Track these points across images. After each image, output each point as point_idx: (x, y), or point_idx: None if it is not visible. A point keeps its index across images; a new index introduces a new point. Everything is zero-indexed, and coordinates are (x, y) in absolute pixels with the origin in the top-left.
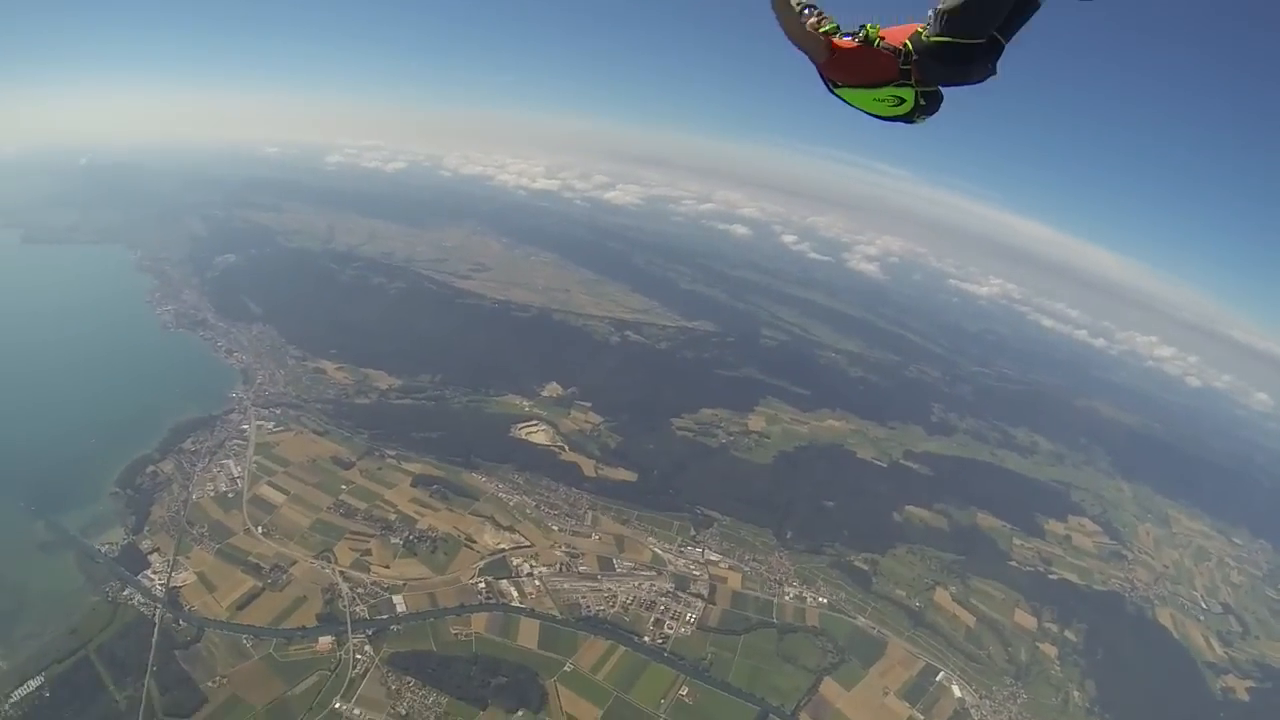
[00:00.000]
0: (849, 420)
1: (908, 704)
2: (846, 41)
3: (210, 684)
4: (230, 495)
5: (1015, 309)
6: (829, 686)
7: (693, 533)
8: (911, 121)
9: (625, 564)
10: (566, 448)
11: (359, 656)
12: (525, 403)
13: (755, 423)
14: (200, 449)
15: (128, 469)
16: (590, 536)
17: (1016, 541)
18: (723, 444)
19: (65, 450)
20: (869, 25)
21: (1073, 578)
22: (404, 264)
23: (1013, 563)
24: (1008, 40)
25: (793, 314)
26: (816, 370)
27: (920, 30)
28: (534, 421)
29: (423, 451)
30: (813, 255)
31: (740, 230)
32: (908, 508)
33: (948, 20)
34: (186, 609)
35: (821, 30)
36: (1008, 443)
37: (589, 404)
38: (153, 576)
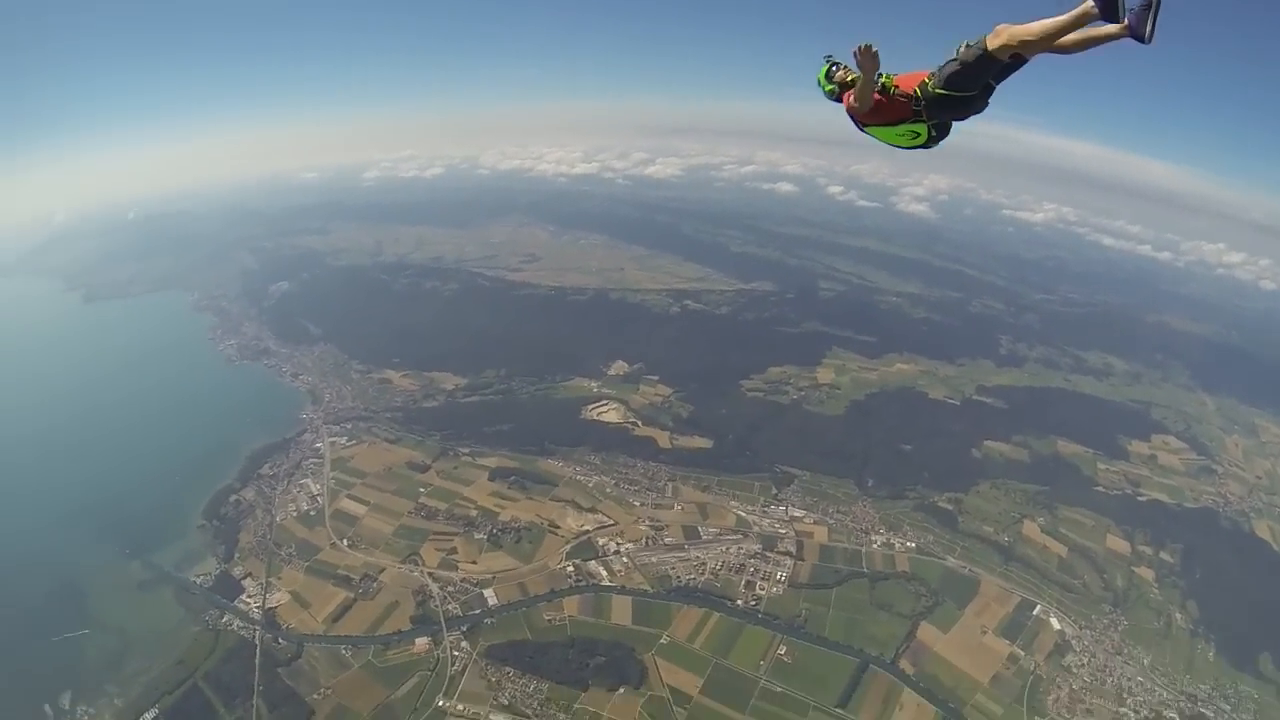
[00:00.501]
0: (917, 362)
1: (1007, 641)
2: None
3: (315, 696)
4: (312, 513)
5: (1073, 231)
6: (926, 631)
7: (774, 491)
8: (928, 147)
9: (710, 530)
10: (639, 423)
11: (456, 653)
12: (593, 384)
13: (824, 375)
14: (278, 472)
15: (212, 501)
16: (673, 507)
17: (1101, 466)
18: (794, 400)
19: (151, 492)
20: (885, 75)
21: (1163, 498)
22: (455, 265)
23: (1099, 488)
24: (998, 84)
25: (848, 263)
26: (878, 316)
27: (927, 80)
28: (603, 401)
29: (496, 445)
30: (861, 203)
31: (785, 188)
32: (986, 443)
33: (947, 78)
34: (284, 627)
35: (849, 80)
36: (1080, 367)
37: (656, 377)
38: (248, 600)
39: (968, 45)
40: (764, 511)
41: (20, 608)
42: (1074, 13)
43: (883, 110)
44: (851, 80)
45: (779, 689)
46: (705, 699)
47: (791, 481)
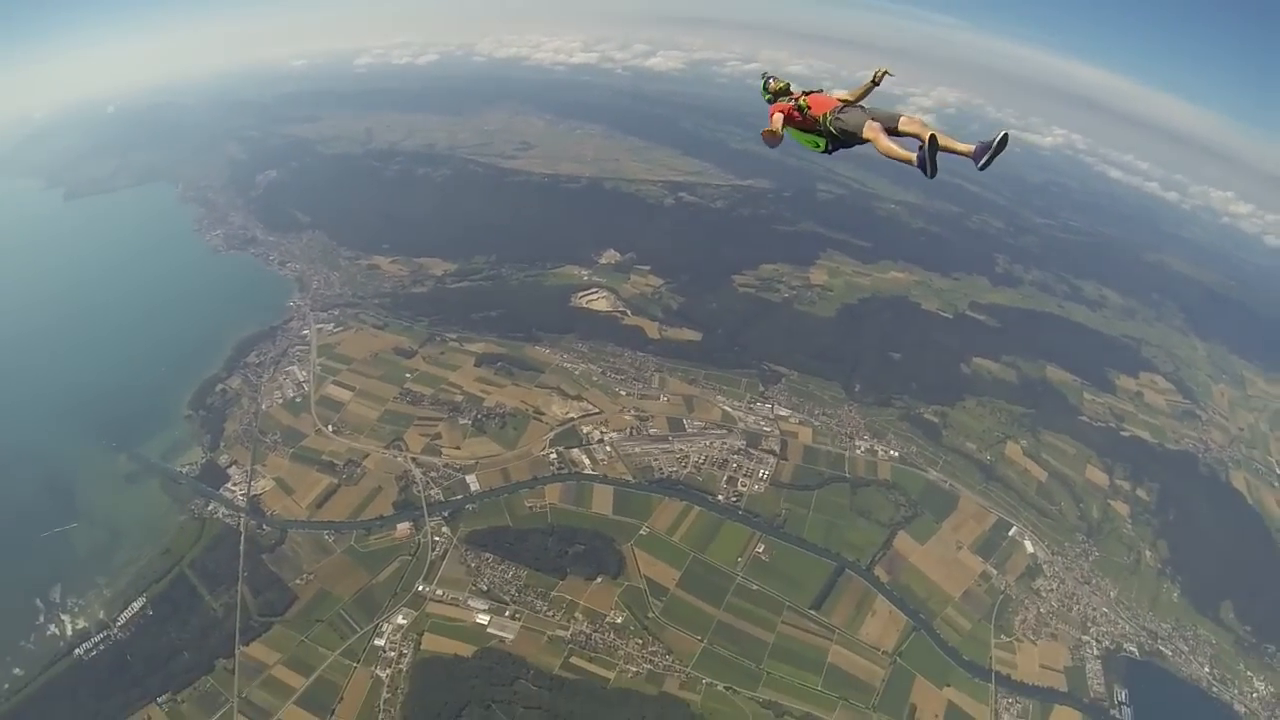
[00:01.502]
0: (912, 271)
1: (981, 558)
2: (790, 106)
3: (298, 581)
4: (298, 400)
5: (1081, 160)
6: (903, 540)
7: (761, 389)
8: (828, 153)
9: (695, 424)
10: (628, 312)
11: (437, 539)
12: (583, 272)
13: (817, 276)
14: (264, 360)
15: (198, 391)
16: (658, 399)
17: (1087, 396)
18: (785, 298)
19: (137, 385)
20: (801, 97)
21: (1145, 435)
22: (447, 152)
23: (1083, 418)
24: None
25: (848, 168)
26: (876, 222)
27: (828, 114)
28: (593, 290)
29: (484, 331)
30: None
31: None
32: (975, 359)
33: (837, 128)
34: (268, 514)
35: (780, 89)
36: (1076, 296)
37: (648, 267)
38: (233, 488)
39: (858, 110)
40: (750, 408)
41: (10, 504)
42: (904, 158)
43: (796, 122)
44: (784, 87)
45: (755, 587)
46: (682, 592)
47: (779, 380)
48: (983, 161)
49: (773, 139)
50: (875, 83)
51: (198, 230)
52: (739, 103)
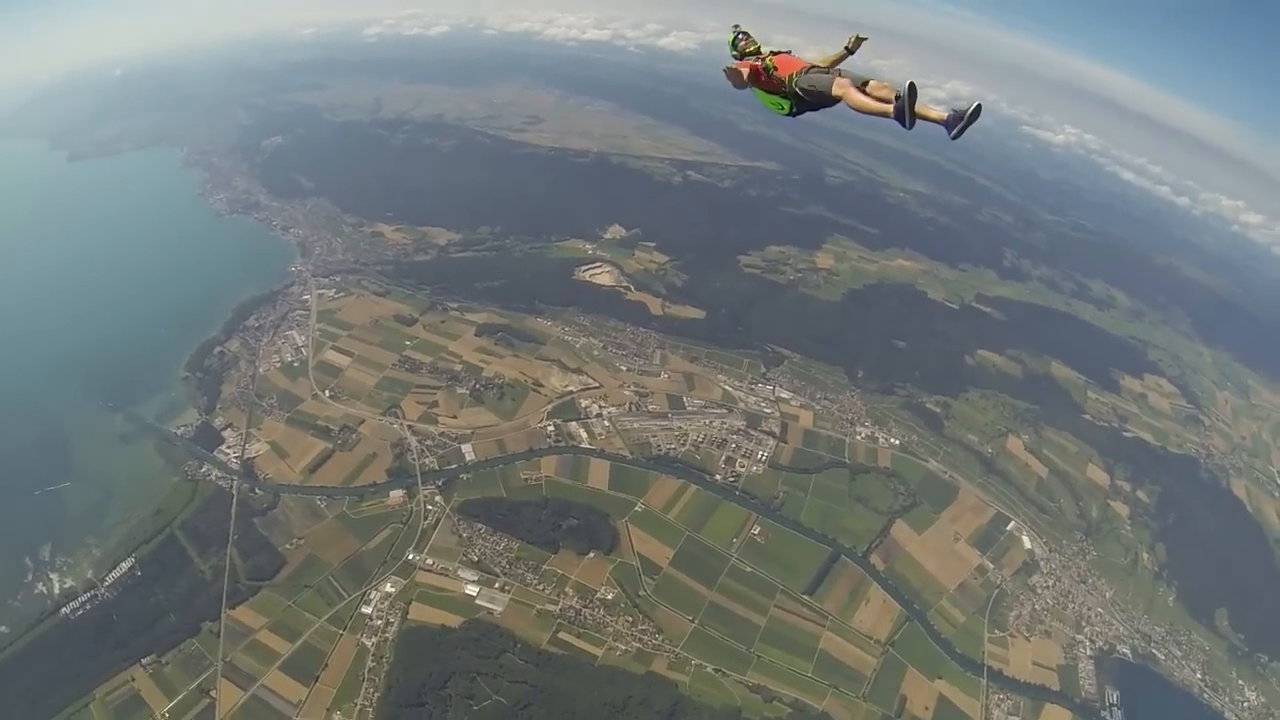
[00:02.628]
0: (919, 260)
1: (978, 551)
2: (757, 65)
3: (288, 546)
4: (296, 364)
5: (1093, 160)
6: (900, 529)
7: (763, 370)
8: (791, 116)
9: (695, 402)
10: (632, 288)
11: (430, 507)
12: (588, 246)
13: (823, 260)
14: (264, 324)
15: (196, 353)
16: (659, 375)
17: (1091, 395)
18: (791, 280)
19: (135, 346)
20: (768, 57)
21: (1148, 437)
22: (455, 123)
23: (1086, 416)
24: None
25: (858, 155)
26: (885, 209)
27: (794, 75)
28: (597, 264)
29: (486, 301)
30: None
31: None
32: (980, 351)
33: (803, 88)
34: (261, 478)
35: (749, 50)
36: (1083, 294)
37: (653, 244)
38: (228, 451)
39: (824, 73)
40: (751, 389)
41: (4, 461)
42: (880, 109)
43: (761, 83)
44: (753, 50)
45: (749, 569)
46: (675, 571)
47: (781, 362)
48: (955, 130)
49: (737, 80)
50: (849, 50)
51: (201, 194)
52: None
